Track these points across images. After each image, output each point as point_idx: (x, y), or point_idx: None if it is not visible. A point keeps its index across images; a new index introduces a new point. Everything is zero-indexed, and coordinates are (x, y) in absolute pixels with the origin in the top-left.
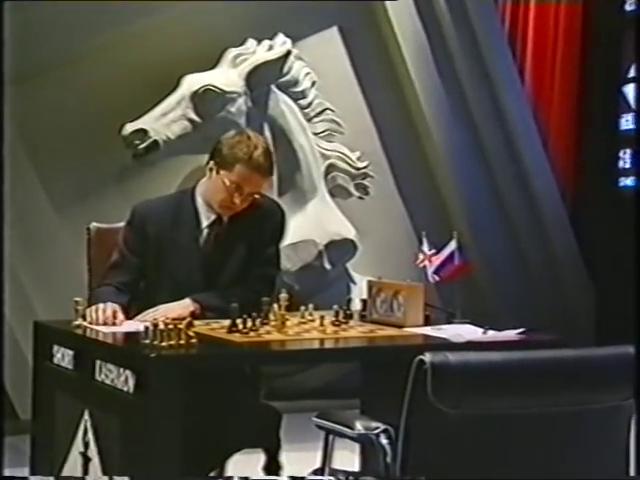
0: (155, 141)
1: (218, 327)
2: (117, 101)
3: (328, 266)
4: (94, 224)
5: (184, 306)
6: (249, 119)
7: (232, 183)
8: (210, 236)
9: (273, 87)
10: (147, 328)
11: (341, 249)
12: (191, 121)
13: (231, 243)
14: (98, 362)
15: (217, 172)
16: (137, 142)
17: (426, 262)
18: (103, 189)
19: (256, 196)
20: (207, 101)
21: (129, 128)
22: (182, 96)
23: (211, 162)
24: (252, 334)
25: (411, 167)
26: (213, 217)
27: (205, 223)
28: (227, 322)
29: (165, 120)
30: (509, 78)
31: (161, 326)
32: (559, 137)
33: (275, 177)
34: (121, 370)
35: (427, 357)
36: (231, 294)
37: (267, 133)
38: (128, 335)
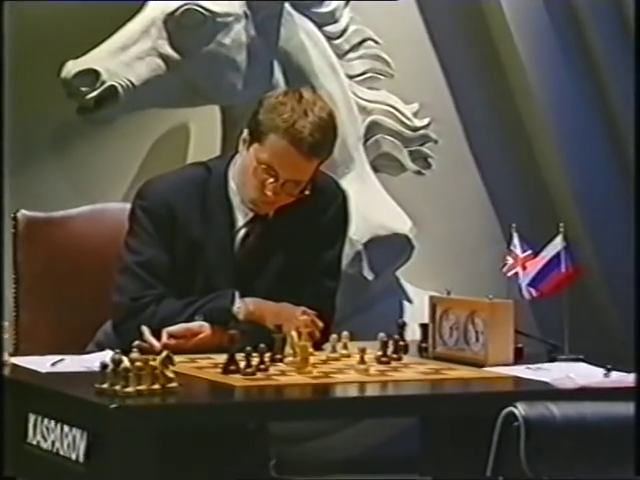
0: (112, 87)
1: (209, 365)
2: (55, 28)
3: (370, 275)
4: (23, 212)
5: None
6: (251, 55)
7: (262, 163)
8: (248, 239)
9: (287, 6)
10: (105, 366)
11: (389, 250)
12: (165, 58)
13: (277, 247)
14: (32, 417)
15: (248, 146)
16: (85, 89)
17: (518, 268)
18: (34, 160)
19: (299, 190)
20: (188, 28)
21: (73, 68)
22: (151, 21)
23: (245, 130)
24: (259, 375)
25: (495, 128)
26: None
27: (241, 220)
28: (222, 357)
29: (126, 56)
30: None
31: (126, 363)
32: None
33: None
34: (67, 429)
35: (520, 409)
36: None
37: (278, 76)
38: (77, 376)
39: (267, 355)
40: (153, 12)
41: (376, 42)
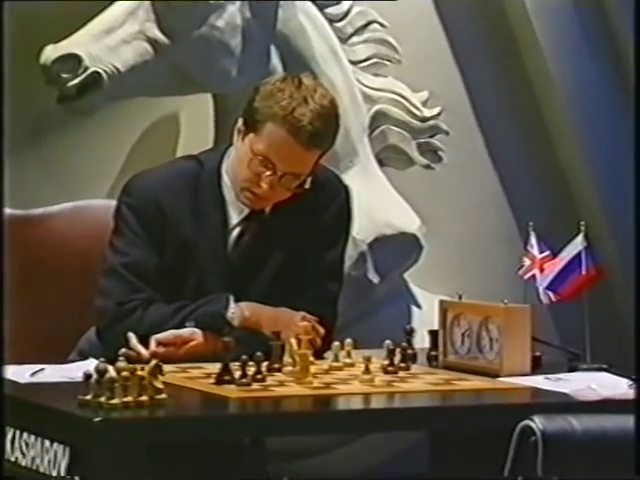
0: (95, 74)
1: (201, 375)
2: (32, 9)
3: (375, 277)
4: (7, 210)
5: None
6: (246, 38)
7: (258, 155)
8: (243, 238)
9: None
10: (88, 376)
11: (396, 250)
12: (153, 42)
13: (274, 247)
14: (11, 431)
15: (243, 137)
16: (66, 76)
17: (535, 270)
18: (10, 153)
19: (298, 184)
20: (178, 10)
21: (52, 53)
22: (138, 2)
23: (240, 120)
24: (255, 386)
25: (511, 119)
26: (247, 209)
27: (236, 218)
28: (215, 367)
29: (110, 40)
30: None
31: (111, 372)
32: None
33: None
34: (47, 444)
35: (537, 422)
36: None
37: (275, 61)
38: (58, 387)
39: (264, 364)
40: None
41: (382, 25)
